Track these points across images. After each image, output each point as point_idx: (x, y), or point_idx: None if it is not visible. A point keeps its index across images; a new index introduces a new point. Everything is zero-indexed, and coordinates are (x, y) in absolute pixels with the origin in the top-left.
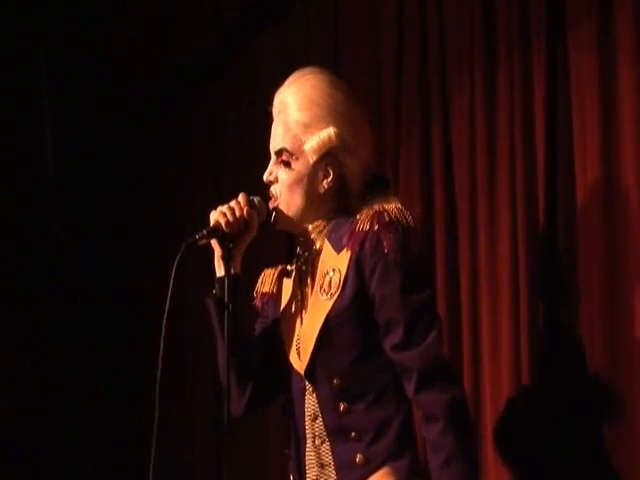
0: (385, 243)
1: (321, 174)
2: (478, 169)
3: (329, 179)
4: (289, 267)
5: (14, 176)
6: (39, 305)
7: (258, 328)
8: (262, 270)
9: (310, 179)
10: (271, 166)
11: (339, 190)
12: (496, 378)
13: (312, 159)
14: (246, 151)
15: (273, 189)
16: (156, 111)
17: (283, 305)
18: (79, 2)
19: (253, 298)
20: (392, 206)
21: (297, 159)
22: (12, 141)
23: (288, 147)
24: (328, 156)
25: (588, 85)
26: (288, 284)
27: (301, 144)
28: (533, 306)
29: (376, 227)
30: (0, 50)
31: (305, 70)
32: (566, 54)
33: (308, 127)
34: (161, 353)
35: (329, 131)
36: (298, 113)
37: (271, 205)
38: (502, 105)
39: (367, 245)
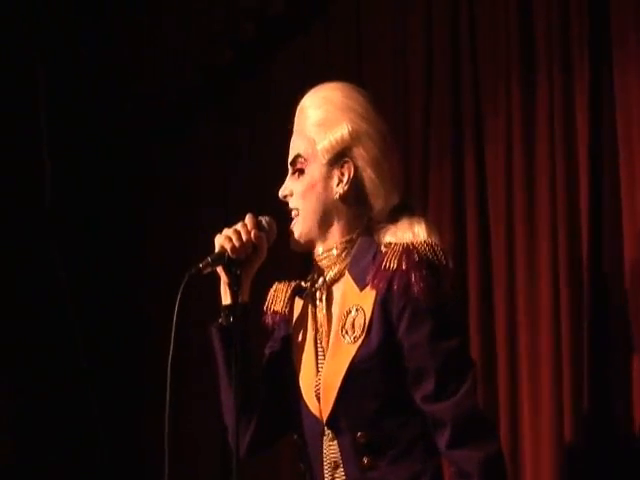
0: (415, 285)
1: (336, 177)
2: (516, 197)
3: (344, 182)
4: (303, 284)
5: (10, 199)
6: (36, 337)
7: (266, 353)
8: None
9: (324, 183)
10: (287, 181)
11: (357, 199)
12: (536, 430)
13: (324, 159)
14: (258, 172)
15: (290, 205)
16: (164, 131)
17: (295, 334)
18: (84, 20)
19: (263, 314)
20: (422, 241)
21: (310, 163)
22: (8, 164)
23: (302, 152)
24: (343, 157)
25: (635, 103)
26: (300, 305)
27: (314, 146)
28: (577, 347)
29: (404, 266)
30: None
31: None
32: (610, 70)
33: (321, 126)
34: (168, 398)
35: (342, 128)
36: (313, 112)
37: (292, 227)
38: (541, 126)
39: (395, 286)
